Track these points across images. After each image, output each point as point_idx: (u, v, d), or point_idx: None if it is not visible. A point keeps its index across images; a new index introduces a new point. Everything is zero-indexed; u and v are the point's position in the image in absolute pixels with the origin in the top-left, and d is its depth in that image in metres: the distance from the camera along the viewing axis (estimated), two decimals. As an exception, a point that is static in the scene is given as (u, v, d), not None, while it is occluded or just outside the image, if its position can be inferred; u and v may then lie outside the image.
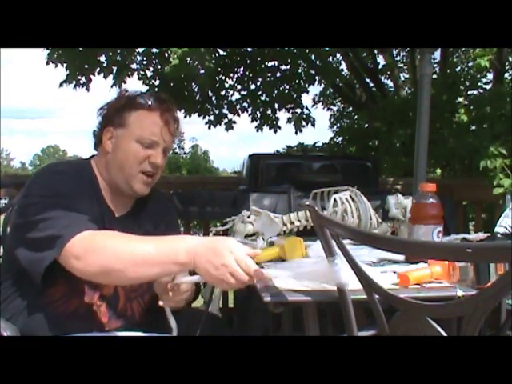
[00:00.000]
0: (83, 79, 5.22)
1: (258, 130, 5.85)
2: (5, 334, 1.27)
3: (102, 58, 5.14)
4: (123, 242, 1.22)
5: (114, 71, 5.27)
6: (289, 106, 5.80)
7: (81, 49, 4.72)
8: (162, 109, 1.43)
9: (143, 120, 1.41)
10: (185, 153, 14.52)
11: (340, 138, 6.53)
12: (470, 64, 6.26)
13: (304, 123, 5.79)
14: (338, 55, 6.47)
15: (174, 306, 1.34)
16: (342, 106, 8.38)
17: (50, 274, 1.27)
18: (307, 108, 5.89)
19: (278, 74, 5.76)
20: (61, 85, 5.28)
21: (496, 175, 3.28)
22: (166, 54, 5.03)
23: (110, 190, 1.44)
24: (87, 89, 5.22)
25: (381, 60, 6.93)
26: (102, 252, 1.20)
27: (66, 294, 1.34)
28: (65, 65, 5.10)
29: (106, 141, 1.43)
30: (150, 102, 1.42)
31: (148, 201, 1.51)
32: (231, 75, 5.90)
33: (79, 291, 1.35)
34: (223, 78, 5.85)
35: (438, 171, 5.46)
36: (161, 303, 1.31)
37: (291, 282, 1.16)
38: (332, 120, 8.18)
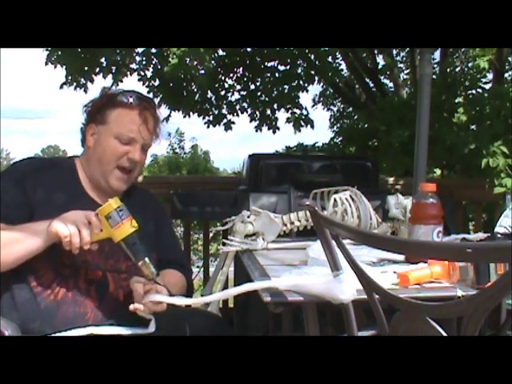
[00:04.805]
0: (83, 80, 5.21)
1: (257, 130, 5.84)
2: (6, 333, 1.28)
3: (102, 59, 5.13)
4: None
5: (114, 71, 5.26)
6: (288, 106, 5.79)
7: (80, 49, 4.71)
8: (142, 107, 1.48)
9: (122, 117, 1.47)
10: (185, 153, 14.51)
11: (340, 138, 6.52)
12: (469, 64, 6.25)
13: (303, 123, 5.78)
14: (338, 55, 6.45)
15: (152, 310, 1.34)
16: (342, 106, 8.37)
17: (30, 265, 1.32)
18: (306, 109, 5.88)
19: (278, 75, 5.74)
20: (61, 87, 5.28)
21: (498, 174, 3.27)
22: (166, 54, 5.02)
23: (92, 185, 1.50)
24: (85, 90, 5.21)
25: (380, 60, 6.92)
26: None
27: (52, 282, 1.37)
28: (64, 66, 5.09)
29: (89, 137, 1.50)
30: (130, 101, 1.48)
31: (138, 197, 1.57)
32: (230, 75, 5.88)
33: (64, 277, 1.37)
34: (222, 78, 5.84)
35: (438, 171, 5.45)
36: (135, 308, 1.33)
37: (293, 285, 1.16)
38: (332, 120, 8.18)
